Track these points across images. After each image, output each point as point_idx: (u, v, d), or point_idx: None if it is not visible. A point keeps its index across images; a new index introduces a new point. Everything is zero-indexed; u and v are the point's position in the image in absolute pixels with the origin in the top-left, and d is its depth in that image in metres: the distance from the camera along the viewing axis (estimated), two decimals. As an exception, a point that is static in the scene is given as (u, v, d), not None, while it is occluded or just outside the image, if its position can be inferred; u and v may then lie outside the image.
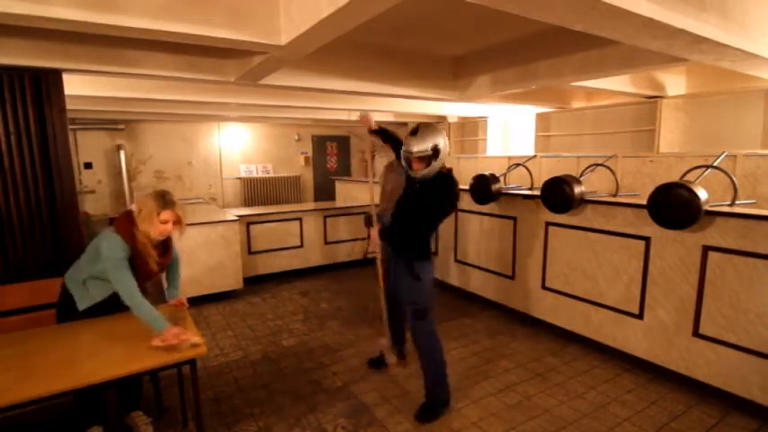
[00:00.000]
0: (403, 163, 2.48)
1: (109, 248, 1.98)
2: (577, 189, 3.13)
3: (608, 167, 3.63)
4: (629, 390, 2.72)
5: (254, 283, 4.98)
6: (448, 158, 2.47)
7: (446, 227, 4.53)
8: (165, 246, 2.20)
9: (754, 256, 2.37)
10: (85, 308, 2.12)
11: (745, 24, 2.42)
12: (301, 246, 5.34)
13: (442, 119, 7.97)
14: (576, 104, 6.25)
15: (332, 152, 10.44)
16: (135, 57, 2.99)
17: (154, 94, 4.38)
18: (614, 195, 3.48)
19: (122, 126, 7.78)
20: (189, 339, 1.88)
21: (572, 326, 3.38)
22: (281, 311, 4.15)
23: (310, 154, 10.05)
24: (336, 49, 3.45)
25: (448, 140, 2.48)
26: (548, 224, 3.50)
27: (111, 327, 2.07)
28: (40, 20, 1.96)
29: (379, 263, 2.76)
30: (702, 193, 2.45)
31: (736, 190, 2.70)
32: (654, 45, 2.45)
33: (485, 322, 3.83)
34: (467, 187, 4.02)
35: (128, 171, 7.85)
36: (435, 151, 2.32)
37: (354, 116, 7.05)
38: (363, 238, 5.50)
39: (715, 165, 2.75)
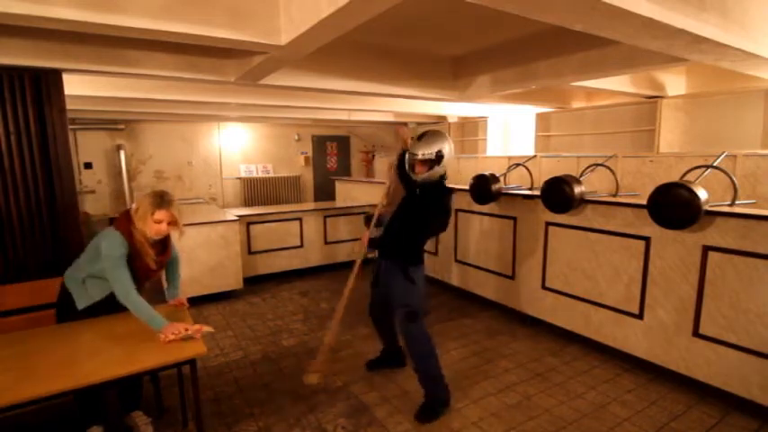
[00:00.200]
0: (406, 166, 2.49)
1: (108, 246, 1.99)
2: (577, 189, 3.13)
3: (608, 167, 3.63)
4: (629, 390, 2.72)
5: (254, 283, 4.98)
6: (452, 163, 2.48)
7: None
8: (163, 244, 2.20)
9: (754, 256, 2.37)
10: (84, 307, 2.12)
11: (745, 24, 2.42)
12: (301, 246, 5.34)
13: (442, 119, 7.97)
14: (576, 104, 6.25)
15: (332, 152, 10.44)
16: (135, 57, 2.99)
17: (154, 94, 4.39)
18: (614, 195, 3.48)
19: (122, 126, 7.78)
20: (202, 329, 1.95)
21: (572, 326, 3.38)
22: (281, 311, 4.15)
23: (310, 154, 10.06)
24: (336, 49, 3.45)
25: (453, 146, 2.49)
26: (548, 224, 3.50)
27: (111, 327, 2.07)
28: (40, 20, 1.96)
29: (358, 265, 2.64)
30: (702, 193, 2.45)
31: (736, 190, 2.70)
32: (654, 45, 2.45)
33: (485, 322, 3.83)
34: (467, 187, 4.03)
35: (128, 171, 7.85)
36: (439, 156, 2.35)
37: (354, 116, 7.06)
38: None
39: (715, 165, 2.75)
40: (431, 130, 2.48)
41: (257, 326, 3.80)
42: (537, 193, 3.43)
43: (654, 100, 5.09)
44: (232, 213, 4.88)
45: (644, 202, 2.70)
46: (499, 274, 4.00)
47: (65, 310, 2.14)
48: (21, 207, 2.91)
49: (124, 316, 2.17)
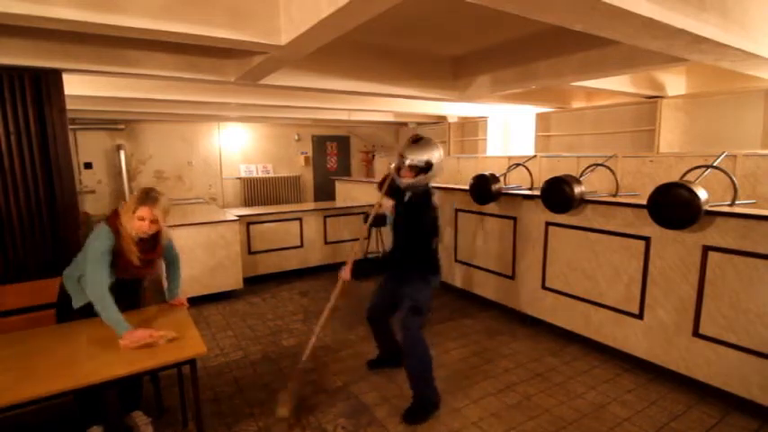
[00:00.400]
0: (392, 168, 2.51)
1: (93, 237, 1.99)
2: (577, 189, 3.13)
3: (608, 167, 3.63)
4: (629, 390, 2.72)
5: (254, 283, 4.97)
6: (444, 167, 2.47)
7: (446, 227, 4.53)
8: (152, 243, 2.15)
9: (754, 256, 2.37)
10: (80, 306, 2.11)
11: (745, 24, 2.42)
12: (301, 246, 5.34)
13: (442, 119, 7.98)
14: (576, 104, 6.25)
15: (332, 152, 10.44)
16: (135, 57, 2.99)
17: (154, 94, 4.39)
18: (614, 195, 3.48)
19: (122, 126, 7.78)
20: (165, 335, 1.88)
21: (572, 326, 3.38)
22: (281, 311, 4.15)
23: (310, 154, 10.06)
24: (336, 49, 3.45)
25: (443, 156, 2.48)
26: (548, 224, 3.50)
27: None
28: (40, 20, 1.96)
29: (340, 285, 2.54)
30: (702, 193, 2.45)
31: (736, 190, 2.70)
32: (654, 45, 2.45)
33: (485, 322, 3.83)
34: (467, 187, 4.03)
35: (128, 171, 7.86)
36: (428, 165, 2.37)
37: (354, 116, 7.05)
38: (364, 238, 5.50)
39: (715, 165, 2.75)
40: (426, 137, 2.47)
41: (257, 326, 3.80)
42: (537, 193, 3.43)
43: (654, 100, 5.09)
44: (232, 213, 4.88)
45: (644, 202, 2.70)
46: (499, 274, 4.00)
47: (64, 310, 2.14)
48: (21, 207, 2.91)
49: (124, 316, 2.17)
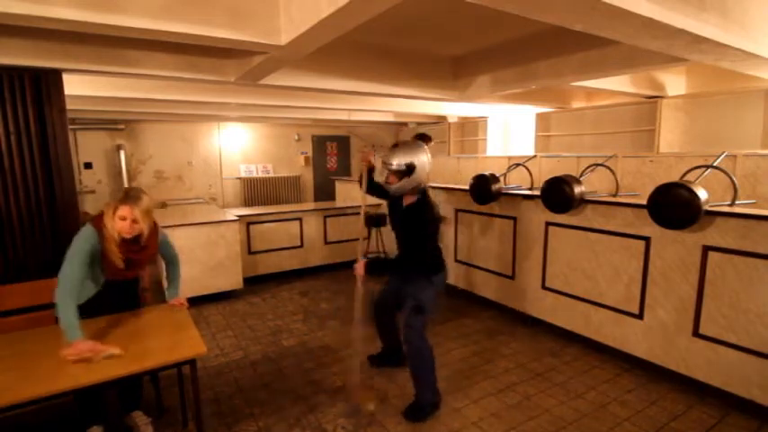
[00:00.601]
0: (381, 176, 2.54)
1: (75, 238, 1.97)
2: (577, 189, 3.13)
3: (608, 167, 3.63)
4: (629, 390, 2.72)
5: (254, 283, 4.98)
6: (432, 168, 2.48)
7: (446, 227, 4.53)
8: (140, 244, 2.12)
9: (754, 256, 2.37)
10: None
11: (745, 24, 2.42)
12: (301, 246, 5.34)
13: (442, 119, 7.97)
14: (576, 104, 6.25)
15: (332, 152, 10.44)
16: (135, 57, 2.99)
17: (154, 94, 4.38)
18: (614, 195, 3.48)
19: (122, 126, 7.78)
20: (105, 350, 1.78)
21: (572, 326, 3.38)
22: (281, 311, 4.15)
23: (310, 154, 10.05)
24: (336, 49, 3.45)
25: (430, 159, 2.48)
26: (548, 224, 3.50)
27: (110, 327, 2.06)
28: (40, 20, 1.96)
29: (359, 286, 2.62)
30: (702, 193, 2.45)
31: (736, 190, 2.70)
32: (654, 45, 2.45)
33: (485, 322, 3.83)
34: (467, 187, 4.03)
35: (128, 171, 7.85)
36: (409, 168, 2.38)
37: (354, 116, 7.06)
38: (364, 239, 5.51)
39: (715, 165, 2.75)
40: (407, 141, 2.50)
41: (257, 326, 3.80)
42: (537, 193, 3.43)
43: (654, 100, 5.08)
44: (232, 213, 4.88)
45: (644, 202, 2.70)
46: (499, 274, 4.00)
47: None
48: (21, 207, 2.91)
49: (124, 316, 2.17)
